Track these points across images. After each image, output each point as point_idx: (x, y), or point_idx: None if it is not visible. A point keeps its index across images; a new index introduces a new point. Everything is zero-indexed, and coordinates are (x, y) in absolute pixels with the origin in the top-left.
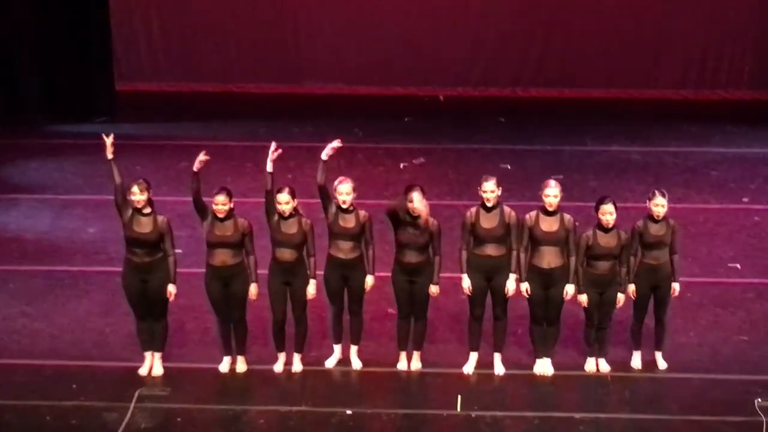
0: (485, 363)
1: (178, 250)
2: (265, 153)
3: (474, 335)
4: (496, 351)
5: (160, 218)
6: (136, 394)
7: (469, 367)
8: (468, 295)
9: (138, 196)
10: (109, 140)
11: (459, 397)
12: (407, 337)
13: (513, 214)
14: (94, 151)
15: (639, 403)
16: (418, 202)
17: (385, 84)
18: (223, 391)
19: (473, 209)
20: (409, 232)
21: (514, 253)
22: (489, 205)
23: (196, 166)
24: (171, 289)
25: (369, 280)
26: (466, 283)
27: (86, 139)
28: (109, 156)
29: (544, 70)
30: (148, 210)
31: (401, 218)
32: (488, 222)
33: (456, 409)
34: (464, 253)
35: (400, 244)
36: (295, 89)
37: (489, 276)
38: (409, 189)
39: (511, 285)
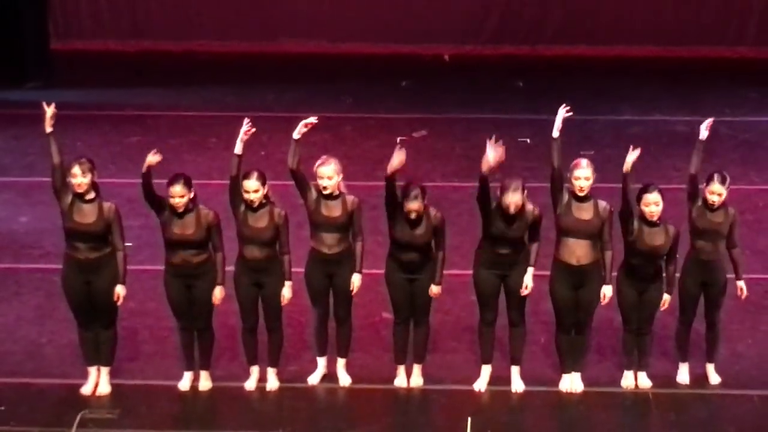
0: (501, 378)
1: (128, 244)
2: (234, 125)
3: (486, 344)
4: (514, 364)
5: (107, 205)
6: (78, 418)
7: (481, 384)
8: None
9: (79, 178)
10: (49, 110)
11: (469, 419)
12: (406, 347)
13: (533, 208)
14: (25, 123)
15: (687, 426)
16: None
17: (379, 41)
18: (184, 413)
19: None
20: (407, 230)
21: (534, 245)
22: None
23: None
24: (119, 290)
25: (356, 280)
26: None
27: (15, 108)
28: (48, 129)
29: (571, 23)
30: (91, 195)
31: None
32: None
33: None
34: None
35: (397, 244)
36: (271, 48)
37: (503, 273)
38: (406, 192)
39: (528, 280)
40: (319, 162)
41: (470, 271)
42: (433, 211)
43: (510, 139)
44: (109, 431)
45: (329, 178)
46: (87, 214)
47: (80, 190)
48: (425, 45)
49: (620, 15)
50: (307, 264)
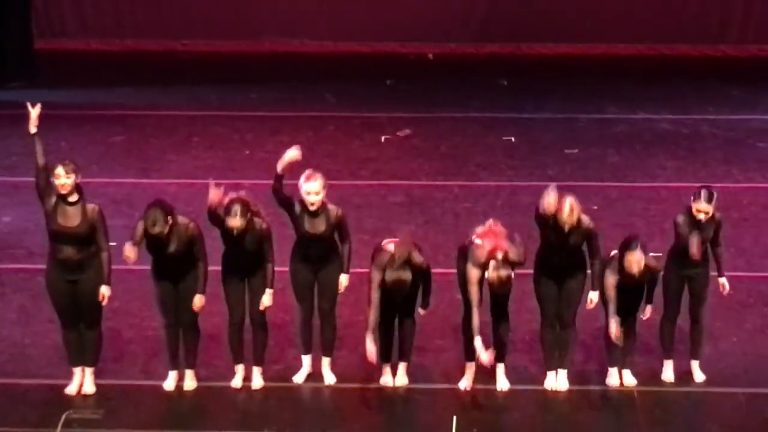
0: (485, 375)
1: (112, 243)
2: (218, 124)
3: (470, 341)
4: (499, 361)
5: (90, 207)
6: (63, 418)
7: (466, 382)
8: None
9: (63, 179)
10: (34, 111)
11: (454, 418)
12: (391, 346)
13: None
14: (8, 123)
15: (672, 424)
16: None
17: (362, 39)
18: (169, 413)
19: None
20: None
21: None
22: None
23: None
24: (104, 291)
25: (343, 280)
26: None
27: None
28: (33, 130)
29: (555, 22)
30: (75, 198)
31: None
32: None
33: None
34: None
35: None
36: (253, 47)
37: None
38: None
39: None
40: (304, 177)
41: (455, 270)
42: (419, 259)
43: (494, 137)
44: (94, 431)
45: (316, 193)
46: (71, 217)
47: (64, 191)
48: (410, 43)
49: (604, 14)
50: (291, 260)
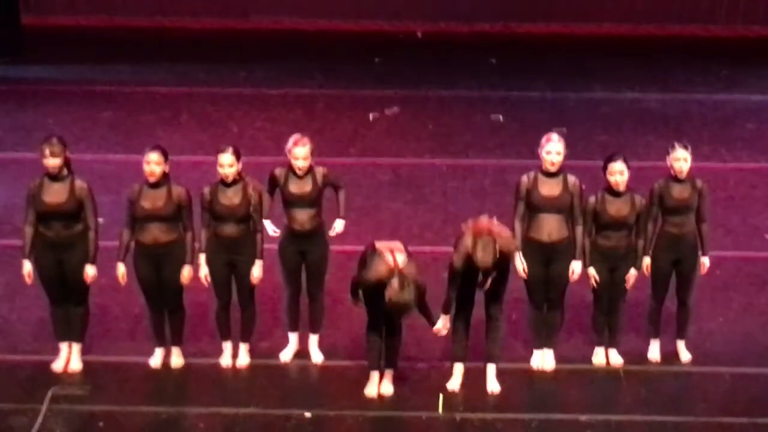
0: (474, 362)
1: (99, 219)
2: (205, 101)
3: (460, 342)
4: (490, 362)
5: (79, 184)
6: (49, 394)
7: (454, 383)
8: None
9: (51, 160)
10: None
11: (441, 396)
12: (379, 354)
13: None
14: None
15: (657, 403)
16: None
17: (351, 17)
18: (155, 390)
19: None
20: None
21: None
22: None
23: None
24: (89, 271)
25: (338, 225)
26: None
27: None
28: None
29: (544, 1)
30: (63, 173)
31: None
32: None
33: (437, 410)
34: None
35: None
36: (242, 24)
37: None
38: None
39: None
40: (292, 141)
41: (442, 248)
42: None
43: (483, 116)
44: (81, 407)
45: (305, 158)
46: (58, 194)
47: (54, 172)
48: (398, 21)
49: None
50: (280, 241)
